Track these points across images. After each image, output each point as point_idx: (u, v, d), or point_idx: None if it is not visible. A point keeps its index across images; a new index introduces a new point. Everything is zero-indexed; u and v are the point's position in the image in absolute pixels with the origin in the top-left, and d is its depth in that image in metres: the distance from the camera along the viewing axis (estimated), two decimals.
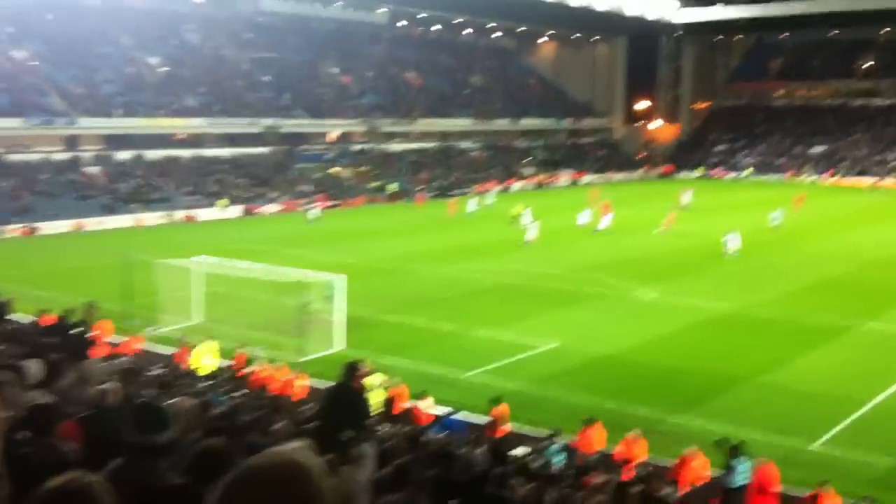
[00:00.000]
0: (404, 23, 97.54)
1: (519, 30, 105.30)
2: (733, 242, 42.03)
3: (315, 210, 57.17)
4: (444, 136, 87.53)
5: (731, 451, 15.39)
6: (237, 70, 77.83)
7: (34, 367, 7.88)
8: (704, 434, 18.24)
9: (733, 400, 21.87)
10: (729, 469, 15.23)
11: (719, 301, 32.46)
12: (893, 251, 44.25)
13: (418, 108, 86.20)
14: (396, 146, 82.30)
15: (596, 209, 52.74)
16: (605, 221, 50.43)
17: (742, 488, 15.00)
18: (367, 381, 19.13)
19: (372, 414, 16.41)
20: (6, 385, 5.48)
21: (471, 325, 28.55)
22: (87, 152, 62.09)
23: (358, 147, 79.04)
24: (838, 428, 19.81)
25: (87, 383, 8.01)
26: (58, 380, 8.38)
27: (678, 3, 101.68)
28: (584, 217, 51.77)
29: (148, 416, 3.96)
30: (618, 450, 16.64)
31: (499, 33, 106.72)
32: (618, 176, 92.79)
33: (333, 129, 78.51)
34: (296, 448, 2.43)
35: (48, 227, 51.12)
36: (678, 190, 65.10)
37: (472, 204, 61.74)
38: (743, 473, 15.07)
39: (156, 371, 19.07)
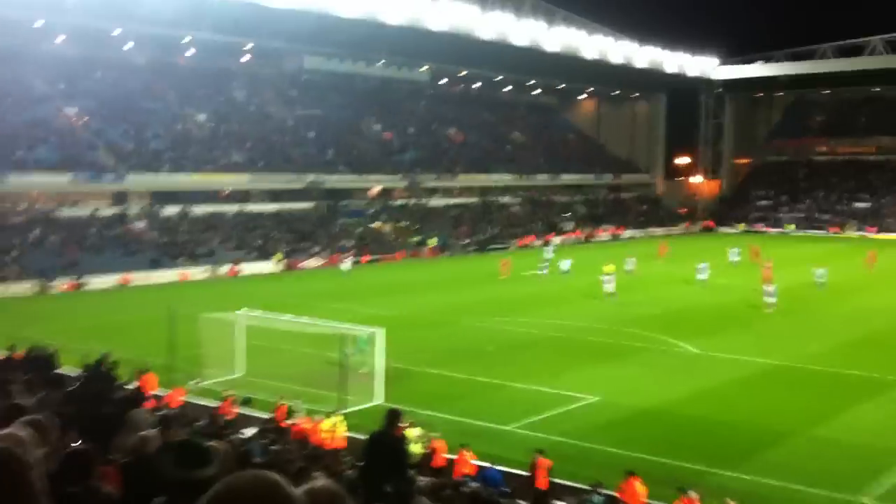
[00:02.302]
0: (445, 80, 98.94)
1: (559, 87, 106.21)
2: (769, 296, 41.62)
3: (347, 262, 58.00)
4: (484, 191, 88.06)
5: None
6: (282, 126, 79.27)
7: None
8: (754, 488, 17.92)
9: (781, 454, 21.49)
10: None
11: (763, 356, 32.04)
12: None
13: (459, 163, 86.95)
14: (437, 201, 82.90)
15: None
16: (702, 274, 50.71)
17: None
18: (408, 432, 19.17)
19: (412, 465, 16.39)
20: (50, 429, 5.58)
21: (512, 379, 28.43)
22: (135, 207, 63.33)
23: (399, 202, 79.76)
24: (890, 481, 19.39)
25: (130, 431, 8.13)
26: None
27: (717, 61, 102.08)
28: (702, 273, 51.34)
29: (188, 453, 3.99)
30: None
31: (539, 90, 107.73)
32: (659, 231, 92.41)
33: (375, 184, 79.36)
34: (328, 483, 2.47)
35: (95, 282, 51.99)
36: (727, 246, 64.92)
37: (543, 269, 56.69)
38: None
39: (198, 423, 19.23)
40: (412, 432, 19.57)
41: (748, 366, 30.58)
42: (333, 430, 20.54)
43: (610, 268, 48.66)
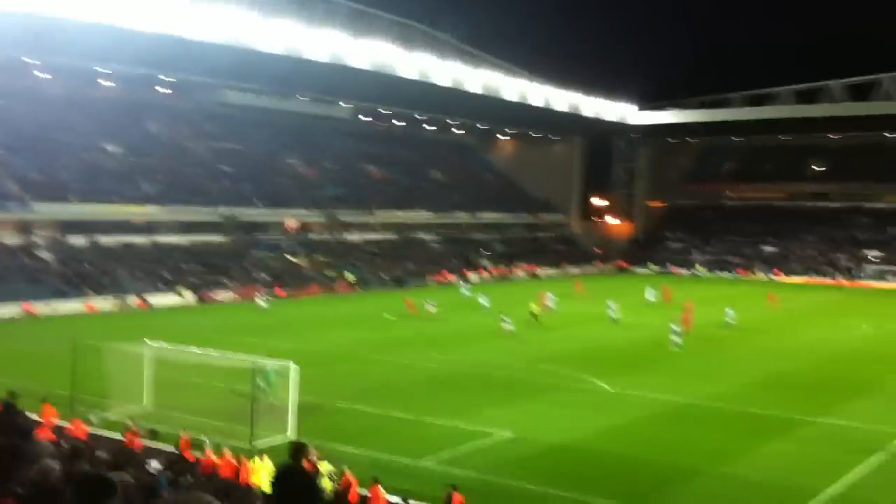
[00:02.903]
0: (368, 118, 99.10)
1: (480, 127, 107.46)
2: (675, 336, 42.64)
3: (262, 300, 56.81)
4: (403, 227, 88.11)
5: None
6: (197, 159, 78.09)
7: None
8: None
9: (690, 490, 21.74)
10: None
11: (674, 393, 32.53)
12: (844, 347, 45.17)
13: (378, 200, 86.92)
14: (356, 236, 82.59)
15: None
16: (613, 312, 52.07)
17: None
18: (321, 465, 18.79)
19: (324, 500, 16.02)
20: None
21: (425, 414, 28.23)
22: (40, 237, 61.27)
23: (317, 237, 79.16)
24: None
25: (30, 463, 7.74)
26: None
27: (635, 106, 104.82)
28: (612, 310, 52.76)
29: (91, 486, 3.85)
30: None
31: (461, 130, 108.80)
32: (574, 270, 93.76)
33: (292, 218, 78.61)
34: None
35: None
36: (641, 286, 66.74)
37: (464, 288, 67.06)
38: None
39: (101, 454, 18.50)
40: (325, 466, 19.21)
41: (659, 404, 30.98)
42: (260, 468, 19.89)
43: (534, 307, 50.08)
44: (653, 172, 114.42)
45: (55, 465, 7.21)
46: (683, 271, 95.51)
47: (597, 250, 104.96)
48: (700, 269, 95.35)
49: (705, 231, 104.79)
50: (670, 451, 25.04)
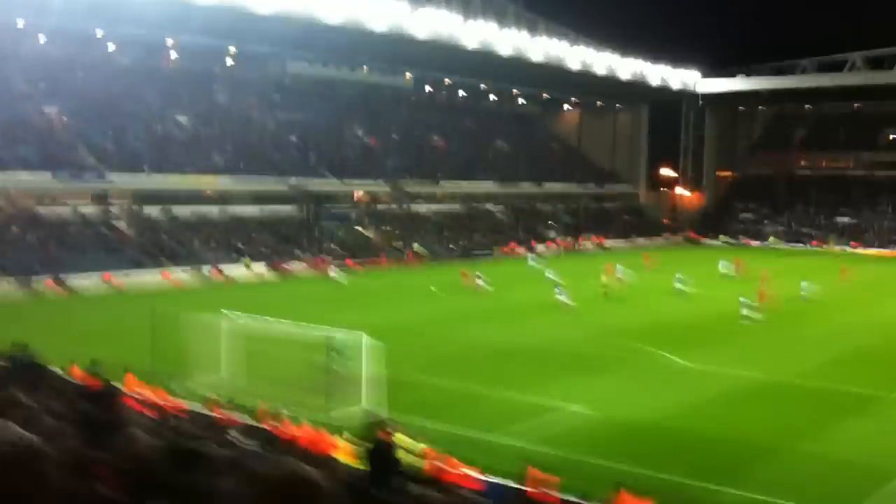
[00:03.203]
0: (429, 88, 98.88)
1: (543, 96, 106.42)
2: (746, 310, 41.92)
3: (337, 273, 56.76)
4: (468, 198, 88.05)
5: None
6: (264, 130, 78.88)
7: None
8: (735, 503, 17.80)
9: (769, 469, 21.37)
10: None
11: (750, 369, 32.02)
12: None
13: (443, 170, 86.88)
14: (421, 207, 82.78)
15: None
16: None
17: None
18: (398, 438, 18.90)
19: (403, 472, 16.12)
20: (55, 432, 5.44)
21: (497, 387, 28.25)
22: (115, 207, 62.72)
23: (383, 208, 79.57)
24: (873, 498, 19.34)
25: (120, 434, 7.91)
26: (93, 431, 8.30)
27: (699, 74, 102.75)
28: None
29: (179, 457, 3.94)
30: None
31: (522, 100, 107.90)
32: (642, 241, 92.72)
33: (359, 188, 79.16)
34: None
35: (76, 280, 51.41)
36: (713, 258, 65.77)
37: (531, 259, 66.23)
38: None
39: (184, 423, 18.91)
40: (402, 439, 19.31)
41: (736, 379, 30.51)
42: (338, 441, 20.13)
43: (605, 278, 49.70)
44: (721, 141, 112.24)
45: (142, 433, 7.35)
46: (756, 243, 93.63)
47: (665, 221, 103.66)
48: (773, 241, 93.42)
49: (777, 201, 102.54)
50: (748, 428, 24.66)
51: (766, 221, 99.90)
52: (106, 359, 26.92)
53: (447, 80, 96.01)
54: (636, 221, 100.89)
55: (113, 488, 5.64)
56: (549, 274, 56.14)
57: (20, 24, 62.09)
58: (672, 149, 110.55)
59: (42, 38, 68.03)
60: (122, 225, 60.96)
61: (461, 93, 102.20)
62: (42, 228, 56.57)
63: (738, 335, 39.28)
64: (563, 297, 45.49)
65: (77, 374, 22.28)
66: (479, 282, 51.97)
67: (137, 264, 55.89)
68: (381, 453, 10.64)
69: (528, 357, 33.63)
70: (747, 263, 63.98)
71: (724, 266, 61.98)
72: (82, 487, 5.05)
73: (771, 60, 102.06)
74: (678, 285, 51.24)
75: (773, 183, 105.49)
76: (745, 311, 41.94)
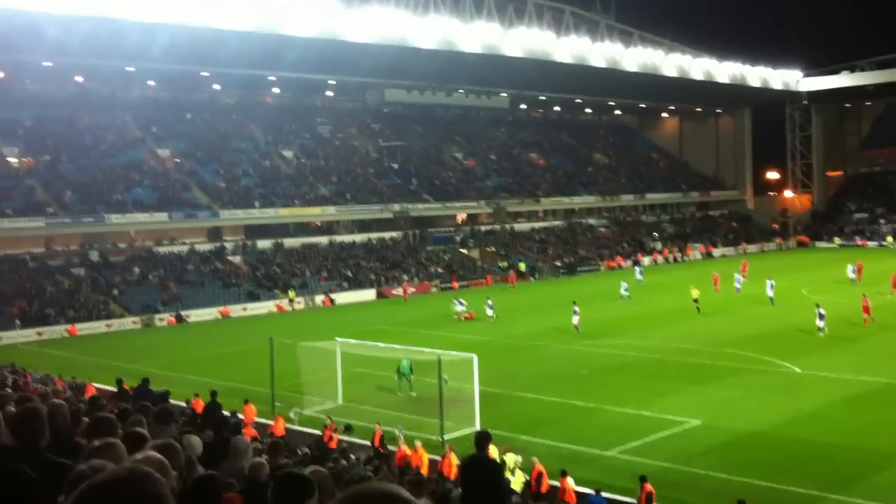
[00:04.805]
0: (524, 105, 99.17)
1: (639, 106, 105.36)
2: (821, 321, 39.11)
3: (461, 307, 50.30)
4: (569, 213, 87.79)
5: None
6: (366, 158, 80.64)
7: (195, 441, 8.39)
8: None
9: (892, 476, 20.74)
10: None
11: (867, 373, 31.04)
12: None
13: (542, 187, 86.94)
14: (522, 226, 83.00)
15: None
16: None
17: None
18: (506, 457, 19.17)
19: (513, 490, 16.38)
20: (176, 453, 5.89)
21: (608, 402, 28.16)
22: (230, 242, 65.12)
23: (485, 228, 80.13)
24: None
25: (239, 458, 8.45)
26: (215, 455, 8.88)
27: (801, 73, 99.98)
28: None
29: (290, 486, 4.17)
30: None
31: (619, 111, 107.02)
32: (751, 247, 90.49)
33: (460, 211, 79.99)
34: None
35: (195, 315, 53.59)
36: (826, 261, 63.10)
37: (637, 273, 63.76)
38: None
39: (302, 450, 19.64)
40: (510, 458, 19.56)
41: (852, 385, 29.65)
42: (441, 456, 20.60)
43: (695, 292, 48.04)
44: (828, 141, 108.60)
45: (264, 461, 7.89)
46: (872, 244, 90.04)
47: (774, 226, 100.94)
48: (889, 241, 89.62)
49: (890, 199, 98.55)
50: (868, 435, 23.94)
51: (881, 221, 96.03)
52: (227, 388, 28.27)
53: (542, 97, 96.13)
54: (743, 227, 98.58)
55: None
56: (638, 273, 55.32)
57: (130, 69, 64.97)
58: (778, 151, 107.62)
59: (151, 83, 71.32)
60: (236, 259, 63.22)
61: (556, 108, 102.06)
62: (161, 266, 59.18)
63: (852, 340, 37.99)
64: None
65: (199, 405, 23.34)
66: (489, 311, 47.94)
67: (251, 296, 57.85)
68: (482, 466, 10.53)
69: (634, 370, 33.35)
70: (867, 266, 60.88)
71: (851, 271, 59.03)
72: None
73: (874, 55, 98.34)
74: (770, 292, 49.36)
75: (884, 179, 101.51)
76: (821, 324, 39.10)
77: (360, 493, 1.97)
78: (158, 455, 4.70)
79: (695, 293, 48.41)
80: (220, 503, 6.14)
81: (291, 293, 58.75)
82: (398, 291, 62.63)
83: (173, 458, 5.58)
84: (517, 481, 18.89)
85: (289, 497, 4.00)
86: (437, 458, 20.76)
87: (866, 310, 40.82)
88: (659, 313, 47.40)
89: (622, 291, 53.73)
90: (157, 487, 2.14)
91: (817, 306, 39.60)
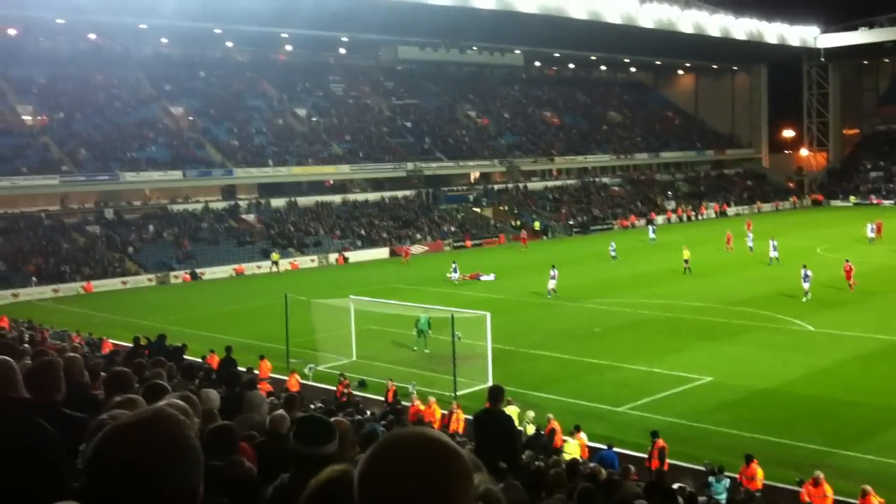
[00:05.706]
0: (538, 63, 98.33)
1: (655, 63, 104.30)
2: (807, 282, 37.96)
3: (455, 274, 47.86)
4: (582, 172, 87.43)
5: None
6: (379, 117, 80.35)
7: (213, 395, 8.53)
8: (879, 468, 17.50)
9: None
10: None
11: (880, 331, 31.00)
12: None
13: (556, 146, 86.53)
14: (536, 184, 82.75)
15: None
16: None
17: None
18: (513, 411, 19.33)
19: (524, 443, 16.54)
20: (194, 405, 6.01)
21: (621, 360, 28.28)
22: (243, 201, 65.26)
23: (498, 187, 79.96)
24: None
25: (254, 412, 8.58)
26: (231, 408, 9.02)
27: (818, 29, 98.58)
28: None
29: (312, 429, 4.24)
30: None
31: (634, 68, 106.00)
32: (766, 206, 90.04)
33: (474, 170, 79.77)
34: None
35: (209, 273, 53.92)
36: (841, 220, 62.44)
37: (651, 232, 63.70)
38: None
39: (317, 405, 19.87)
40: (513, 409, 19.69)
41: (865, 342, 29.65)
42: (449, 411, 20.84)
43: (686, 253, 47.12)
44: (845, 98, 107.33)
45: (283, 414, 7.99)
46: (888, 202, 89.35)
47: (790, 184, 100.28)
48: None
49: None
50: (880, 392, 23.99)
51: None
52: (242, 345, 28.53)
53: (556, 54, 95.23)
54: (758, 186, 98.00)
55: (251, 461, 6.28)
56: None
57: (143, 26, 64.58)
58: (794, 109, 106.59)
59: (164, 40, 71.05)
60: (250, 217, 63.38)
61: (571, 66, 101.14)
62: (175, 224, 59.44)
63: (866, 298, 37.80)
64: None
65: (215, 361, 23.59)
66: (453, 275, 47.14)
67: (265, 254, 58.10)
68: (494, 419, 10.60)
69: (648, 327, 33.43)
70: (887, 225, 60.13)
71: (870, 230, 58.27)
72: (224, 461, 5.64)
73: (893, 11, 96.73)
74: (773, 253, 48.92)
75: None
76: (805, 285, 37.92)
77: (401, 438, 1.86)
78: (181, 402, 4.80)
79: (686, 254, 47.15)
80: (236, 451, 6.26)
81: (275, 255, 57.00)
82: (415, 249, 62.38)
83: (193, 409, 5.69)
84: (526, 433, 19.06)
85: (310, 439, 4.08)
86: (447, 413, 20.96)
87: (849, 275, 39.22)
88: (671, 272, 47.32)
89: (610, 252, 53.37)
90: (182, 428, 2.17)
91: (804, 267, 38.23)
